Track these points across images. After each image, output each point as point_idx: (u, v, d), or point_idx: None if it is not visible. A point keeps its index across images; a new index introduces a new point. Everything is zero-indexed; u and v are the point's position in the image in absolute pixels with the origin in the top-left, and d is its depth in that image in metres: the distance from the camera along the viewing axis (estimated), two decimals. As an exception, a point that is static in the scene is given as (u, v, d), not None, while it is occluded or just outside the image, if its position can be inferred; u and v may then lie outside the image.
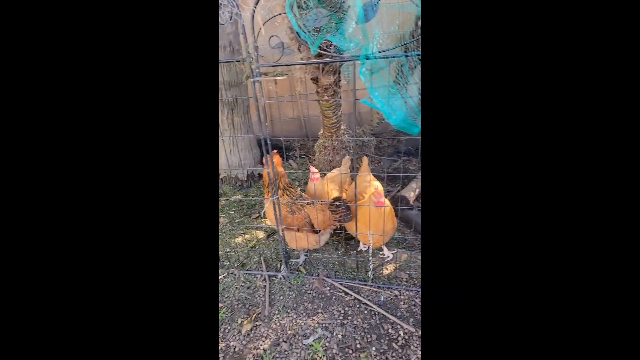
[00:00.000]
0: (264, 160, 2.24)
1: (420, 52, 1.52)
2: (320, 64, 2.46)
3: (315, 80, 2.65)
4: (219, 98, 3.30)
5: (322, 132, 3.24)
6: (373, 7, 1.35)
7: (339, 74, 2.65)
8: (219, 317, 2.02)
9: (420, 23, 1.77)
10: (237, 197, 3.41)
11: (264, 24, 1.66)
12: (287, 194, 2.23)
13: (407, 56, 1.37)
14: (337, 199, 2.20)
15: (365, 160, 2.47)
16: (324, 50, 1.87)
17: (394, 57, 1.46)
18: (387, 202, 2.29)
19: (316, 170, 2.38)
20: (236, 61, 1.74)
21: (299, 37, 2.18)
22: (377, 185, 2.37)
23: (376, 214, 2.11)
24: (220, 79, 3.22)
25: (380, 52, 1.47)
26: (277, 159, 2.15)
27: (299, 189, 3.43)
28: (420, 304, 2.01)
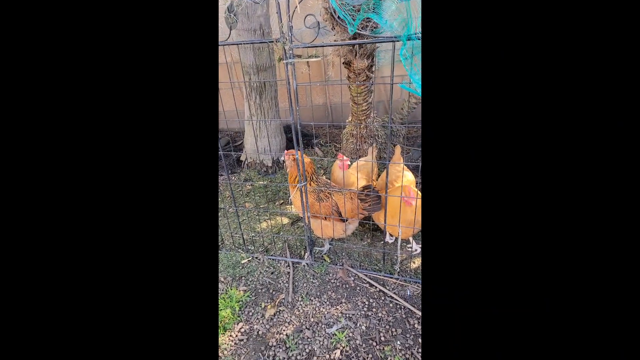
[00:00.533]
0: (286, 151, 2.20)
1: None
2: (355, 47, 2.36)
3: (348, 64, 2.55)
4: (248, 82, 3.28)
5: (350, 119, 3.15)
6: (419, -18, 1.25)
7: (372, 58, 2.54)
8: (243, 300, 2.04)
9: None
10: (263, 182, 3.41)
11: (300, 2, 1.59)
12: (315, 182, 2.19)
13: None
14: (367, 187, 2.14)
15: (398, 149, 2.38)
16: (360, 30, 1.78)
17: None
18: (418, 192, 2.20)
19: (346, 158, 2.31)
20: (269, 42, 1.69)
21: (335, 17, 2.09)
22: (409, 175, 2.28)
23: (404, 209, 2.03)
24: (249, 62, 3.19)
25: (423, 32, 1.37)
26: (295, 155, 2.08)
27: (324, 176, 3.39)
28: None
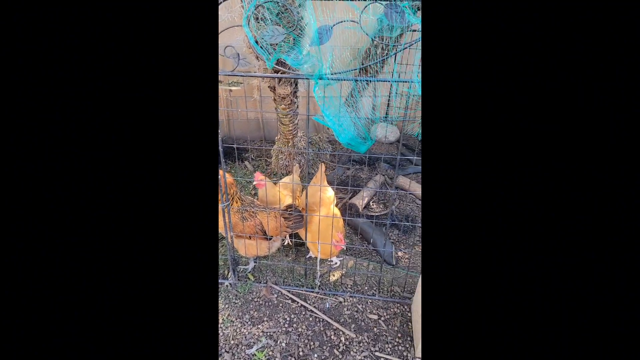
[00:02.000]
0: None
1: (369, 78, 1.62)
2: (278, 74, 2.48)
3: (273, 89, 2.66)
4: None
5: (279, 137, 3.25)
6: (327, 31, 1.41)
7: (296, 84, 2.69)
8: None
9: (371, 46, 1.88)
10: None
11: (221, 32, 1.65)
12: (239, 201, 2.22)
13: (356, 80, 1.45)
14: (289, 206, 2.24)
15: (322, 167, 2.50)
16: (281, 63, 1.90)
17: (345, 79, 1.53)
18: (337, 211, 2.37)
19: (262, 178, 2.37)
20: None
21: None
22: (329, 192, 2.44)
23: (325, 227, 2.18)
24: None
25: (332, 73, 1.54)
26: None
27: (253, 192, 3.40)
28: (363, 310, 2.13)
